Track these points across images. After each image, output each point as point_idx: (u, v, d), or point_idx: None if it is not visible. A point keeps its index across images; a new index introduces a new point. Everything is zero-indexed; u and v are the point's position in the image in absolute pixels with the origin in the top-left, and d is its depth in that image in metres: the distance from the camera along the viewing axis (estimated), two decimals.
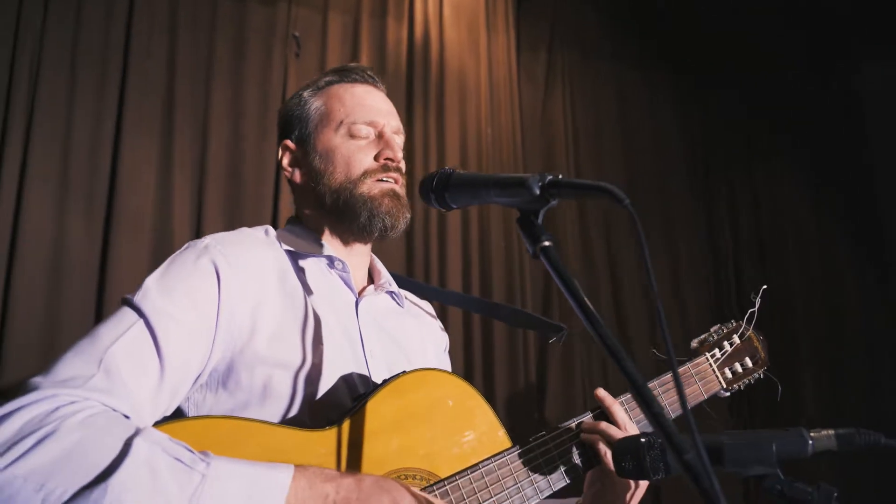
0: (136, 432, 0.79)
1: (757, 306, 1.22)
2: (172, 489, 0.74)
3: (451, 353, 1.27)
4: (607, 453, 1.00)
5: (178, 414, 0.94)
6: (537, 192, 0.80)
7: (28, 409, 0.76)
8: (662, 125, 4.77)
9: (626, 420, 1.04)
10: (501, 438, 0.98)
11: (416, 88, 3.88)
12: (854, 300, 4.98)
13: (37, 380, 0.81)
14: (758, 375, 1.23)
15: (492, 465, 0.95)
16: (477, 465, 0.94)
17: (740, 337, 1.22)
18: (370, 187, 1.11)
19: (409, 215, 1.14)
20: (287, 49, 3.62)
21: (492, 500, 0.93)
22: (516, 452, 0.97)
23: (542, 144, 4.28)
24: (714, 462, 0.79)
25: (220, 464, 0.79)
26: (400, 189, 1.15)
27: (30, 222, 2.82)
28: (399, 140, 1.18)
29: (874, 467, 4.09)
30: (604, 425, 1.02)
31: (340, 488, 0.81)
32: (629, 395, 1.08)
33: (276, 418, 0.93)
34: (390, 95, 3.77)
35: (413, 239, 3.64)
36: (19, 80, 2.89)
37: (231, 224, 3.09)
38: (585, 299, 0.73)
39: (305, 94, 1.20)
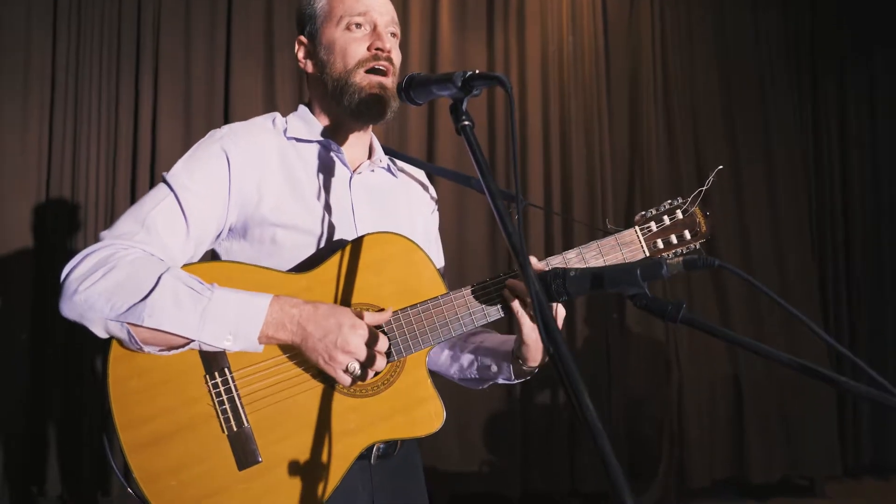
0: (166, 269, 1.12)
1: (707, 186, 1.27)
2: (188, 306, 1.10)
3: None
4: (517, 307, 1.22)
5: (214, 256, 1.34)
6: (459, 84, 1.03)
7: (97, 253, 1.13)
8: (763, 20, 4.46)
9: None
10: (439, 286, 1.25)
11: (496, 2, 3.96)
12: None
13: (103, 233, 1.18)
14: (694, 246, 1.30)
15: (428, 304, 1.22)
16: (416, 304, 1.22)
17: (683, 212, 1.30)
18: (362, 78, 1.29)
19: (395, 104, 1.30)
20: None
21: (424, 328, 1.22)
22: (451, 296, 1.23)
23: (628, 51, 4.17)
24: (598, 286, 1.01)
25: (221, 291, 1.13)
26: (388, 81, 1.32)
27: (165, 153, 3.36)
28: (392, 30, 1.35)
29: None
30: (519, 285, 1.22)
31: (303, 311, 1.13)
32: (572, 252, 1.28)
33: (283, 265, 1.26)
34: (472, 11, 3.88)
35: (495, 144, 3.86)
36: (145, 32, 3.38)
37: None
38: (489, 173, 0.96)
39: None
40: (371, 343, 1.15)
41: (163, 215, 1.20)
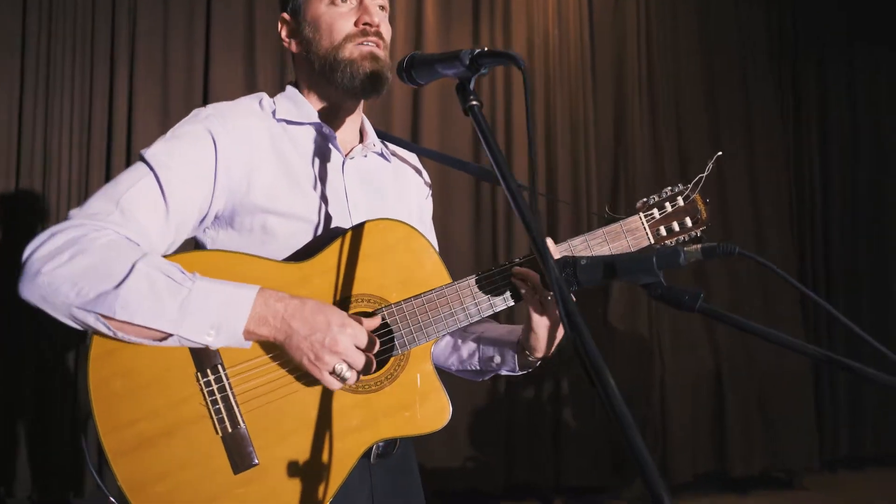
0: (142, 256, 1.03)
1: (706, 173, 1.26)
2: (166, 298, 1.01)
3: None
4: (529, 294, 1.18)
5: (198, 246, 1.25)
6: (467, 62, 0.98)
7: (66, 232, 1.03)
8: (746, 14, 4.51)
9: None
10: (442, 276, 1.20)
11: None
12: None
13: (73, 212, 1.07)
14: (695, 234, 1.29)
15: (432, 294, 1.17)
16: (420, 294, 1.17)
17: (684, 199, 1.28)
18: (351, 51, 1.22)
19: (389, 76, 1.25)
20: None
21: (429, 319, 1.16)
22: (453, 287, 1.18)
23: (613, 43, 4.17)
24: (611, 275, 0.98)
25: (203, 282, 1.04)
26: (380, 52, 1.26)
27: (141, 146, 3.23)
28: (380, 2, 1.28)
29: None
30: (531, 273, 1.18)
31: (288, 306, 1.05)
32: (577, 239, 1.24)
33: (275, 255, 1.17)
34: (457, 3, 3.84)
35: (478, 144, 3.84)
36: (120, 19, 3.25)
37: None
38: (500, 153, 0.91)
39: None
40: (363, 345, 1.08)
41: (140, 196, 1.11)
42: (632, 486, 3.96)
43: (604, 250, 1.25)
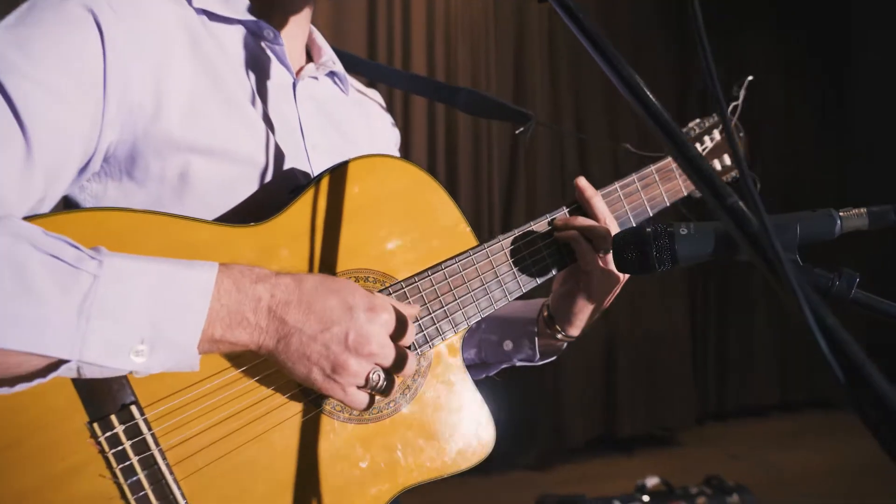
0: None
1: (741, 99, 1.05)
2: (51, 294, 0.57)
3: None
4: (586, 250, 0.90)
5: (71, 208, 0.75)
6: None
7: None
8: None
9: (606, 213, 0.92)
10: (466, 235, 0.86)
11: None
12: (815, 172, 5.13)
13: None
14: (736, 175, 1.09)
15: (455, 265, 0.84)
16: (439, 265, 0.83)
17: (721, 133, 1.08)
18: None
19: None
20: None
21: (455, 302, 0.84)
22: (483, 251, 0.87)
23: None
24: (726, 250, 0.71)
25: (117, 261, 0.61)
26: None
27: None
28: None
29: None
30: (581, 220, 0.91)
31: (276, 290, 0.66)
32: (608, 189, 0.96)
33: (200, 217, 0.75)
34: None
35: (375, 19, 3.49)
36: None
37: None
38: (602, 37, 0.58)
39: None
40: (397, 335, 0.72)
41: None
42: (526, 455, 3.92)
43: (655, 193, 0.99)
